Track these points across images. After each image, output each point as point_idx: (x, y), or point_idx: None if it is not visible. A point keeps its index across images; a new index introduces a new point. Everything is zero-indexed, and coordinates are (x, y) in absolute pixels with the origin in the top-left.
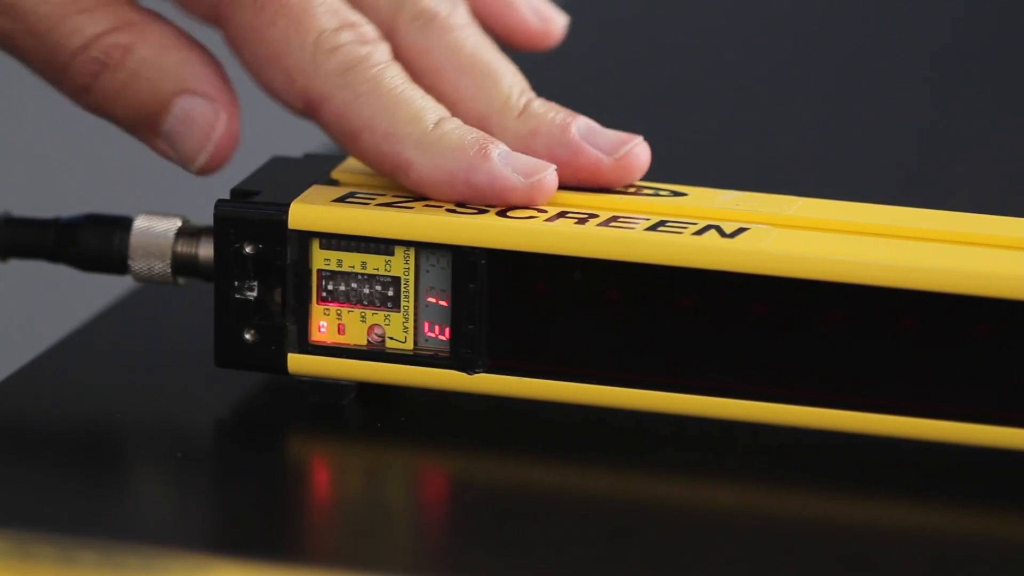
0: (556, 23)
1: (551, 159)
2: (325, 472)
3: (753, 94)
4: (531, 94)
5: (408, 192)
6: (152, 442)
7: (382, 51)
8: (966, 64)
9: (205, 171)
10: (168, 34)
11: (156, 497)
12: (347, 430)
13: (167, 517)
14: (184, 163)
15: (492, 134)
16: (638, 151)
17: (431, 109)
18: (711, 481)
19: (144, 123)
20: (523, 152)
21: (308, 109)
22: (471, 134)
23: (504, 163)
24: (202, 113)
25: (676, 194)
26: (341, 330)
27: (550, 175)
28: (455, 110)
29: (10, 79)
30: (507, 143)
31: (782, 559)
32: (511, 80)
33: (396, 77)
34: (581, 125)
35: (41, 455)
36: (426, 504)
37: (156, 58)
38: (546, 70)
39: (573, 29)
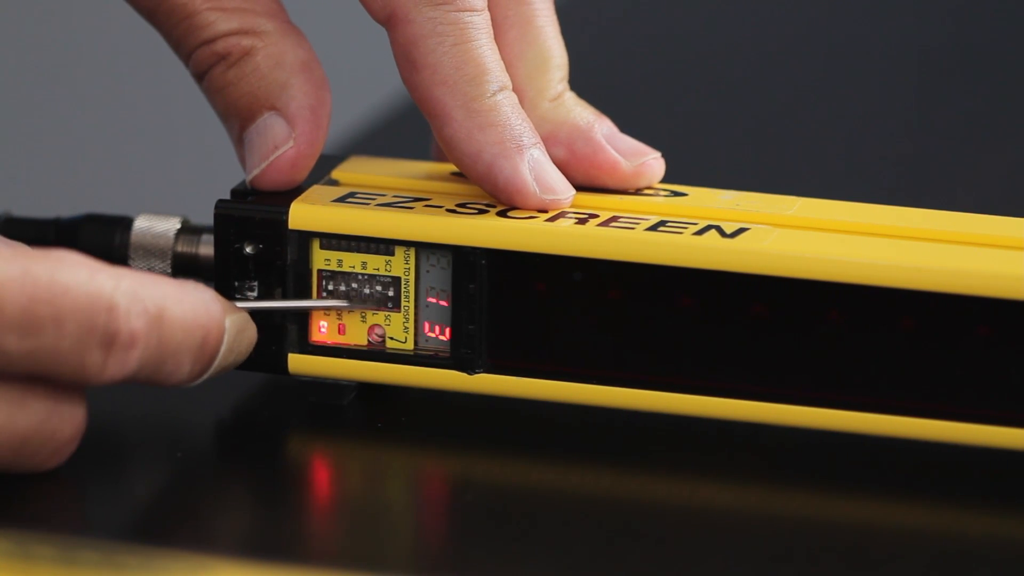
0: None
1: (571, 151)
2: (325, 472)
3: (753, 94)
4: (567, 84)
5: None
6: (152, 442)
7: None
8: (966, 64)
9: (257, 185)
10: (289, 52)
11: (156, 497)
12: (347, 430)
13: (167, 517)
14: (245, 172)
15: (523, 108)
16: (654, 163)
17: (497, 75)
18: (711, 481)
19: (233, 125)
20: (544, 138)
21: (387, 23)
22: (518, 122)
23: (531, 166)
24: (276, 132)
25: (676, 194)
26: (341, 330)
27: (565, 201)
28: None
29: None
30: (534, 123)
31: (782, 559)
32: (559, 63)
33: (481, 29)
34: (605, 128)
35: None
36: (426, 504)
37: (266, 70)
38: None
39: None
